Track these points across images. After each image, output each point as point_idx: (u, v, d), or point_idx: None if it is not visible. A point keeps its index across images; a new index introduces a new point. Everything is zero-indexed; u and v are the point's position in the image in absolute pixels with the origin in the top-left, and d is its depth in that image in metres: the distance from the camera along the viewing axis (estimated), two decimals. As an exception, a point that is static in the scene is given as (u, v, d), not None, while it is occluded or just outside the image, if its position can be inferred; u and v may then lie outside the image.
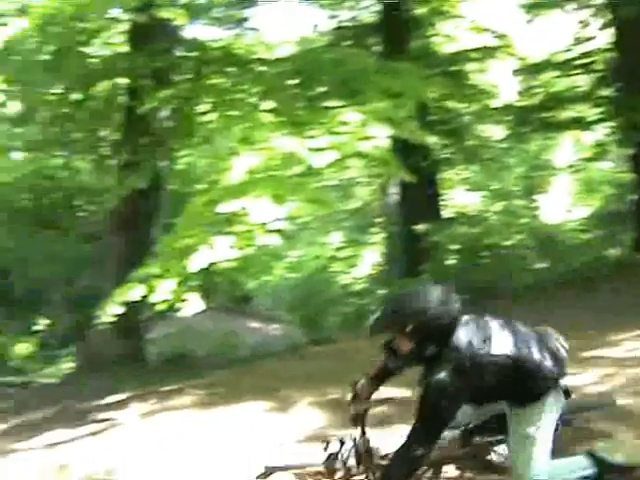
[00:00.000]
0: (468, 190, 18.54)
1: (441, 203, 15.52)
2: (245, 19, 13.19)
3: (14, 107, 13.98)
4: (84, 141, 11.98)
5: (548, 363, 3.86)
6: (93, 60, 11.47)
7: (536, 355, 3.85)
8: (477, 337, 3.78)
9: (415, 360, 3.87)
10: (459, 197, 18.56)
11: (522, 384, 3.84)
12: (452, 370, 3.66)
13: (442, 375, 3.64)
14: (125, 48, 11.67)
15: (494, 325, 3.90)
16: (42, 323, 12.78)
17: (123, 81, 11.28)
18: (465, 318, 3.84)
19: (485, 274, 13.46)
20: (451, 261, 14.39)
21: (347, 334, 12.90)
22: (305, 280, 18.44)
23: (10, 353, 11.90)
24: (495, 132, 16.83)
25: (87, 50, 11.52)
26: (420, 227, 13.49)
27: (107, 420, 7.47)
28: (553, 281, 12.67)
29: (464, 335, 3.76)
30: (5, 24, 11.57)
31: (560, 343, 3.99)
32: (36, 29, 11.90)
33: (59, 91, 11.63)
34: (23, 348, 12.03)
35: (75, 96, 11.52)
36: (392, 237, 16.21)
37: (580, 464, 4.01)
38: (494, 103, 15.56)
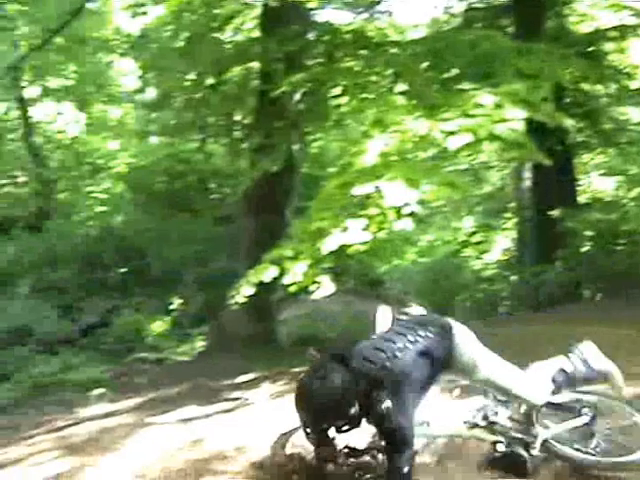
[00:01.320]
0: (604, 175, 17.92)
1: (576, 188, 15.08)
2: (376, 2, 13.12)
3: (150, 93, 14.40)
4: (218, 125, 12.21)
5: (434, 329, 4.46)
6: (226, 45, 11.65)
7: (429, 334, 4.43)
8: (388, 354, 4.31)
9: (362, 417, 4.32)
10: (595, 182, 18.00)
11: (436, 361, 4.41)
12: (388, 397, 4.18)
13: (384, 406, 4.18)
14: (257, 33, 11.81)
15: (388, 336, 4.48)
16: (176, 302, 13.10)
17: (256, 65, 11.42)
18: (365, 351, 4.38)
19: (621, 262, 13.02)
20: (585, 247, 13.98)
21: (477, 319, 12.76)
22: (436, 264, 18.25)
23: (146, 331, 12.27)
24: (634, 115, 16.24)
25: (220, 36, 11.72)
26: (554, 212, 13.14)
27: (238, 399, 7.59)
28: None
29: (372, 365, 4.28)
30: (145, 13, 11.94)
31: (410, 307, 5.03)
32: (172, 16, 12.22)
33: (193, 76, 11.88)
34: (158, 326, 12.37)
35: (209, 81, 11.73)
36: (525, 222, 15.85)
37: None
38: (633, 84, 14.95)
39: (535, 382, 4.74)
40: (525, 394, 4.69)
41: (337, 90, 10.53)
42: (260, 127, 10.70)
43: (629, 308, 10.79)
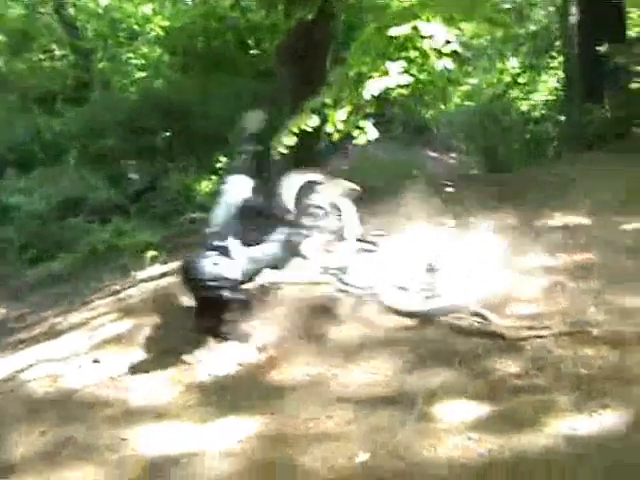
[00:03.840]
0: (654, 6, 17.13)
1: (625, 22, 14.45)
2: None
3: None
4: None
5: None
6: None
7: None
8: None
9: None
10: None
11: None
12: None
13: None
14: None
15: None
16: (222, 161, 13.04)
17: None
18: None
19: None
20: (635, 84, 13.53)
21: (525, 162, 12.68)
22: (482, 107, 17.89)
23: (195, 191, 12.28)
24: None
25: None
26: (602, 48, 12.66)
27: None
28: None
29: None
30: None
31: None
32: None
33: None
34: (206, 186, 12.37)
35: None
36: (571, 61, 15.35)
37: None
38: None
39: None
40: None
41: None
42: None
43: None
